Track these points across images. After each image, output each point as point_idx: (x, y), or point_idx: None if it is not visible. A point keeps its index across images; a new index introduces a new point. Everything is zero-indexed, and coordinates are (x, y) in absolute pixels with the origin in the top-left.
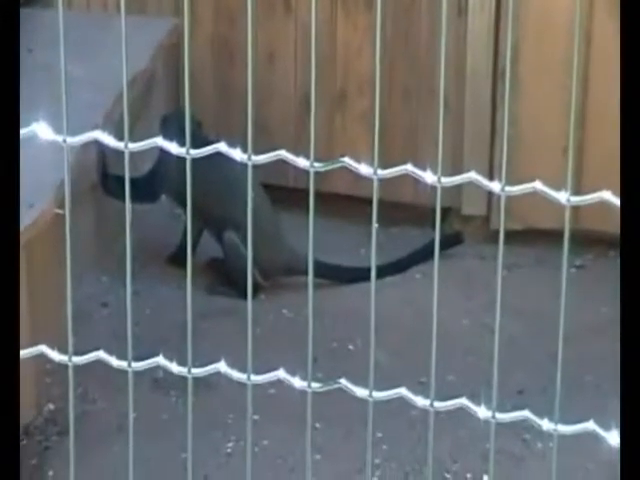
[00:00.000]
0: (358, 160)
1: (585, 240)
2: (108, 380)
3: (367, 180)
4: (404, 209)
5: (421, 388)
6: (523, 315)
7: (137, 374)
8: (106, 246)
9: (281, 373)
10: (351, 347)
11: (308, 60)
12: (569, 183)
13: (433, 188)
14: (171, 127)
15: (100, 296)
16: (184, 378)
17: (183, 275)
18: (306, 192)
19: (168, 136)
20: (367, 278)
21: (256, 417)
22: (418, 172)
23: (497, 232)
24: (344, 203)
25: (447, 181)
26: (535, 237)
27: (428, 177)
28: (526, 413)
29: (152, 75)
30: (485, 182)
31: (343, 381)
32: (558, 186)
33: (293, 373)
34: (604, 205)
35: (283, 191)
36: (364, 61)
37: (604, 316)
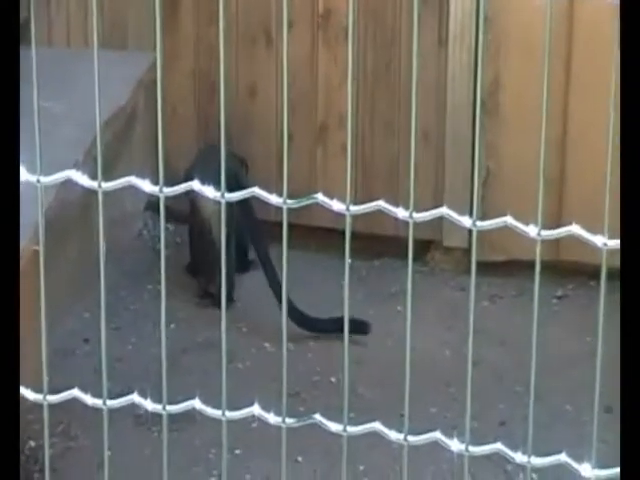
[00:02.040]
0: (340, 193)
1: (566, 271)
2: (89, 416)
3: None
4: (386, 241)
5: (402, 421)
6: (505, 346)
7: (118, 410)
8: (88, 281)
9: (256, 409)
10: (333, 380)
11: (289, 95)
12: (539, 218)
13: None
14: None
15: (82, 332)
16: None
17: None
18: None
19: (206, 171)
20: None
21: (238, 451)
22: (390, 208)
23: (479, 264)
24: (327, 236)
25: (419, 216)
26: (516, 268)
27: (400, 213)
28: (498, 446)
29: (133, 111)
30: (456, 217)
31: (317, 416)
32: (541, 215)
33: (274, 407)
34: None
35: (267, 225)
36: (345, 94)
37: (586, 346)
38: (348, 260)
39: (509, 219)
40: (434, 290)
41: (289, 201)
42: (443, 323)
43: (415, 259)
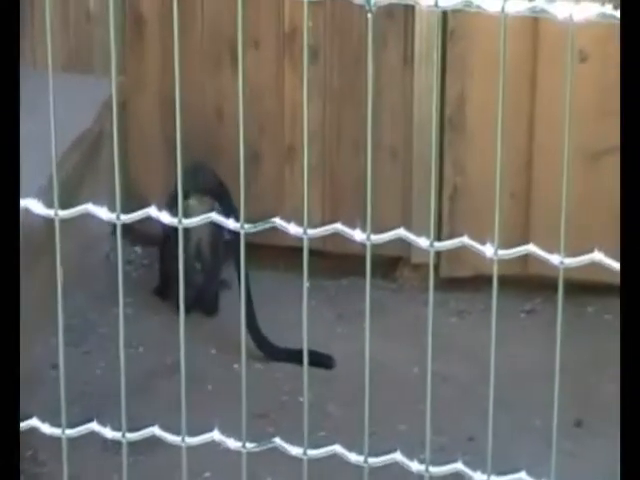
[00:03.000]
0: (308, 211)
1: (534, 285)
2: (58, 443)
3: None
4: (354, 260)
5: (372, 439)
6: (474, 361)
7: (86, 435)
8: (55, 307)
9: (216, 434)
10: (301, 399)
11: (256, 115)
12: (496, 237)
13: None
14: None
15: (50, 358)
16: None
17: (135, 333)
18: (260, 246)
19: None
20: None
21: (207, 474)
22: (348, 230)
23: (447, 280)
24: (296, 255)
25: (376, 238)
26: (484, 283)
27: (358, 235)
28: (459, 465)
29: (99, 133)
30: (414, 238)
31: (277, 440)
32: (506, 230)
33: (239, 429)
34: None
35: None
36: (311, 113)
37: (555, 359)
38: (306, 284)
39: (465, 239)
40: (403, 307)
41: (246, 226)
42: (412, 340)
43: (384, 276)
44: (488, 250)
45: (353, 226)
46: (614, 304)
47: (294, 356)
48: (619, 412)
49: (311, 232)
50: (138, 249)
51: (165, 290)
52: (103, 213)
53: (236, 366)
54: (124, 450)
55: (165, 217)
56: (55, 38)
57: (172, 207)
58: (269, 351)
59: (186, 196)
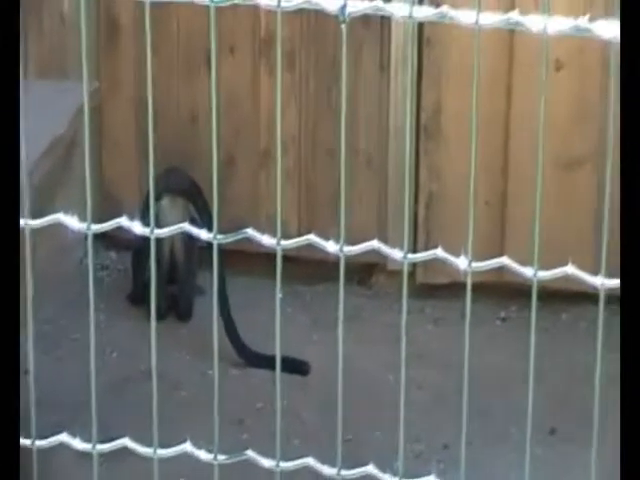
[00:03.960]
0: (284, 217)
1: (510, 292)
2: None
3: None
4: (329, 267)
5: (346, 446)
6: (449, 368)
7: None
8: (26, 313)
9: (188, 446)
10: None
11: (232, 120)
12: (469, 250)
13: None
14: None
15: (22, 364)
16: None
17: (109, 339)
18: (235, 252)
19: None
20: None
21: None
22: (320, 242)
23: (423, 287)
24: (269, 261)
25: (350, 250)
26: (461, 290)
27: (330, 247)
28: (431, 478)
29: (72, 139)
30: (387, 250)
31: (250, 452)
32: (481, 239)
33: (213, 438)
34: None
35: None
36: (287, 120)
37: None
38: (279, 295)
39: (439, 251)
40: (378, 313)
41: (219, 236)
42: (387, 346)
43: (359, 282)
44: (462, 262)
45: (329, 232)
46: (588, 311)
47: (272, 362)
48: (592, 419)
49: (284, 243)
50: (113, 254)
51: (139, 296)
52: (74, 222)
53: (211, 372)
54: (95, 462)
55: (137, 227)
56: (29, 44)
57: (146, 210)
58: (248, 357)
59: (159, 197)
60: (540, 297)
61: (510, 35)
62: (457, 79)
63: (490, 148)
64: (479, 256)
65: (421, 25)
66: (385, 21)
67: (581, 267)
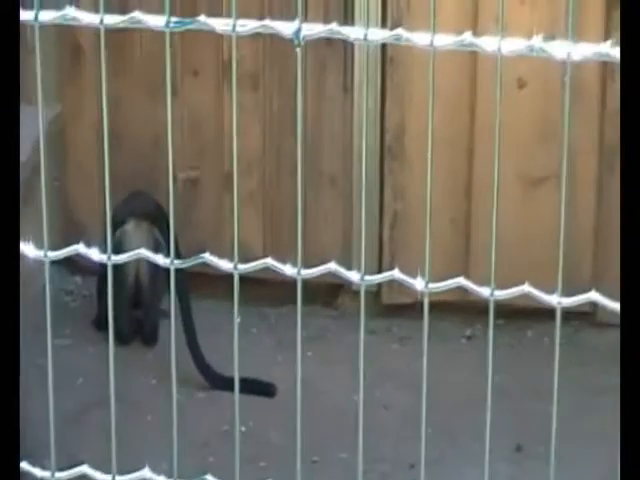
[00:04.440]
0: (247, 239)
1: (474, 310)
2: None
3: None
4: (294, 288)
5: (312, 467)
6: (416, 388)
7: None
8: None
9: (146, 472)
10: (243, 429)
11: (196, 142)
12: (427, 270)
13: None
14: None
15: None
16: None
17: (74, 364)
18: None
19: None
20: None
21: None
22: (278, 265)
23: (389, 306)
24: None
25: (307, 273)
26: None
27: (288, 270)
28: None
29: (36, 165)
30: (345, 273)
31: (209, 477)
32: (446, 255)
33: (183, 457)
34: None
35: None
36: (250, 141)
37: (494, 385)
38: (237, 319)
39: (396, 272)
40: (344, 334)
41: (176, 262)
42: (353, 367)
43: (325, 303)
44: (419, 284)
45: (294, 253)
46: (552, 328)
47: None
48: (555, 436)
49: (241, 267)
50: (78, 279)
51: (104, 321)
52: (30, 250)
53: (178, 396)
54: None
55: (94, 254)
56: None
57: (111, 234)
58: (213, 379)
59: (124, 221)
60: (505, 314)
61: (472, 55)
62: (420, 99)
63: (454, 167)
64: (445, 274)
65: (384, 45)
66: (348, 42)
67: (544, 284)
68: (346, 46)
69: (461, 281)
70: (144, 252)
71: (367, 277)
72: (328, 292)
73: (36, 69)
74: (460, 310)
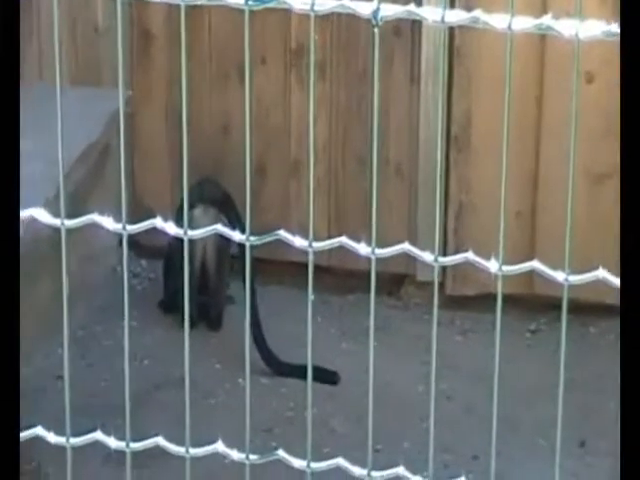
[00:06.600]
0: (314, 227)
1: (540, 304)
2: (60, 455)
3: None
4: (360, 276)
5: (375, 456)
6: (478, 380)
7: (91, 447)
8: (60, 318)
9: (220, 445)
10: (306, 415)
11: (263, 130)
12: (501, 254)
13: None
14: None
15: (55, 369)
16: (137, 451)
17: (140, 346)
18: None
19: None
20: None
21: None
22: (352, 244)
23: (452, 298)
24: (302, 271)
25: (381, 253)
26: (490, 302)
27: (362, 249)
28: None
29: (106, 146)
30: (418, 252)
31: (281, 452)
32: (511, 249)
33: (243, 443)
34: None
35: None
36: (318, 130)
37: (559, 379)
38: (311, 296)
39: (470, 254)
40: (408, 325)
41: (252, 238)
42: (417, 358)
43: (389, 294)
44: (493, 266)
45: (359, 240)
46: (616, 325)
47: (300, 371)
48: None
49: (316, 245)
50: (144, 262)
51: (170, 304)
52: (109, 223)
53: (240, 381)
54: (128, 460)
55: (171, 228)
56: (63, 51)
57: (178, 221)
58: (276, 366)
59: (192, 207)
60: (569, 310)
61: (541, 44)
62: (487, 89)
63: (521, 159)
64: (509, 266)
65: (452, 35)
66: (416, 31)
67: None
68: (414, 36)
69: (535, 264)
70: (220, 228)
71: (440, 259)
72: (392, 282)
73: (108, 53)
74: (525, 304)
